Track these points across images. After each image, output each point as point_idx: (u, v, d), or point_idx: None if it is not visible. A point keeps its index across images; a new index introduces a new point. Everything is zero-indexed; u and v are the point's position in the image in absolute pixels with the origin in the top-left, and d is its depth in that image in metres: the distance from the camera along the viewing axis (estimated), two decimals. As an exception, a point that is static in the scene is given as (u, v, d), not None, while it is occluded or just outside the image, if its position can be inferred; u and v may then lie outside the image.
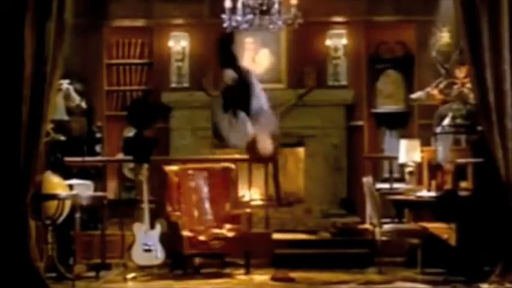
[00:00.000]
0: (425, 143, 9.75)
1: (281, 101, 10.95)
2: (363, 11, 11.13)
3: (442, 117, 9.76)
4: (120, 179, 10.48)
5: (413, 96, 10.62)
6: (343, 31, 11.16)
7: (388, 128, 11.43)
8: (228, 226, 8.67)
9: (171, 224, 8.56)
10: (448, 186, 8.92)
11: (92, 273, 8.45)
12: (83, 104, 10.45)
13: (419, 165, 9.55)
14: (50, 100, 7.36)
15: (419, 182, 9.57)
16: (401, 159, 9.46)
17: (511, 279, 7.48)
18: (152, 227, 8.53)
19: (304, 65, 11.17)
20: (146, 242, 8.47)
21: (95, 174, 9.89)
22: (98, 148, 10.60)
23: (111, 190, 10.42)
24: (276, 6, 8.11)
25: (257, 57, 11.13)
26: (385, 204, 8.95)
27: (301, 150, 11.26)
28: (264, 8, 8.10)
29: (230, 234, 8.54)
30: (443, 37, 10.62)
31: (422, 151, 9.42)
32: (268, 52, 11.16)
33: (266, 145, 8.85)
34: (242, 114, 8.73)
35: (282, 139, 10.53)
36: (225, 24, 8.36)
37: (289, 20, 8.22)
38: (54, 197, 7.97)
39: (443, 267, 8.35)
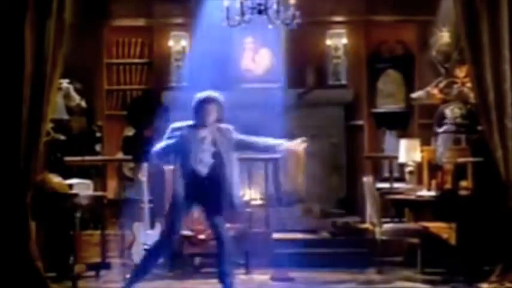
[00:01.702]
0: (425, 142, 9.75)
1: (281, 100, 10.96)
2: (363, 11, 11.12)
3: (442, 117, 9.77)
4: (120, 178, 10.48)
5: (414, 95, 10.63)
6: (343, 30, 11.15)
7: (388, 128, 11.43)
8: (228, 225, 8.67)
9: (170, 224, 8.55)
10: (448, 185, 8.94)
11: (92, 273, 8.45)
12: (83, 103, 10.45)
13: (419, 165, 9.55)
14: (50, 99, 7.36)
15: (420, 181, 9.58)
16: (401, 158, 9.46)
17: (511, 279, 7.49)
18: (152, 226, 8.53)
19: (304, 65, 11.16)
20: (146, 241, 8.47)
21: (95, 173, 9.89)
22: (97, 147, 10.60)
23: (111, 189, 10.42)
24: (275, 5, 8.09)
25: (257, 57, 11.13)
26: (385, 203, 8.96)
27: (301, 150, 11.23)
28: (263, 7, 8.08)
29: (230, 234, 8.52)
30: (444, 37, 10.63)
31: (422, 151, 9.43)
32: (268, 52, 11.15)
33: None
34: None
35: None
36: (223, 24, 8.35)
37: (287, 20, 8.20)
38: (54, 196, 7.98)
39: (443, 267, 8.36)
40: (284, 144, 7.32)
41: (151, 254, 7.16)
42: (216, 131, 7.05)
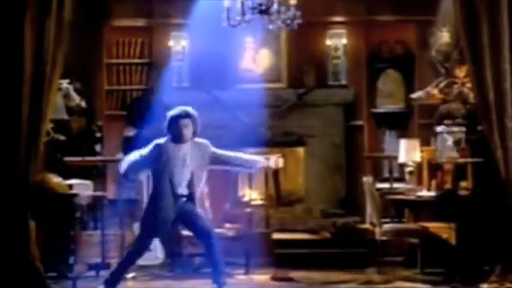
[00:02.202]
0: (425, 142, 9.75)
1: (281, 100, 10.96)
2: (363, 11, 11.12)
3: (442, 117, 9.77)
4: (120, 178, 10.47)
5: (414, 95, 10.63)
6: (343, 31, 11.15)
7: (388, 128, 11.43)
8: (228, 226, 8.68)
9: (171, 224, 8.55)
10: (447, 185, 8.94)
11: (92, 273, 8.46)
12: (83, 104, 10.45)
13: (419, 165, 9.55)
14: (50, 99, 7.35)
15: (419, 181, 9.58)
16: (401, 158, 9.46)
17: (511, 279, 7.48)
18: (152, 226, 8.52)
19: (304, 65, 11.16)
20: (146, 241, 8.47)
21: (95, 173, 9.89)
22: (97, 147, 10.60)
23: (111, 190, 10.42)
24: (275, 6, 8.10)
25: (257, 57, 11.12)
26: (385, 203, 8.95)
27: (301, 150, 11.25)
28: (263, 7, 8.09)
29: (230, 234, 8.54)
30: (443, 36, 10.63)
31: (422, 151, 9.42)
32: (268, 52, 11.16)
33: None
34: None
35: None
36: (224, 24, 8.35)
37: (288, 20, 8.20)
38: (54, 196, 7.98)
39: (443, 267, 8.36)
40: (261, 161, 7.22)
41: (127, 260, 7.07)
42: (193, 146, 6.98)
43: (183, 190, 6.97)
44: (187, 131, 6.95)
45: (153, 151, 6.95)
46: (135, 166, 7.01)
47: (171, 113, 7.03)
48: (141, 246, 7.02)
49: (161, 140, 6.99)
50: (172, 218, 6.97)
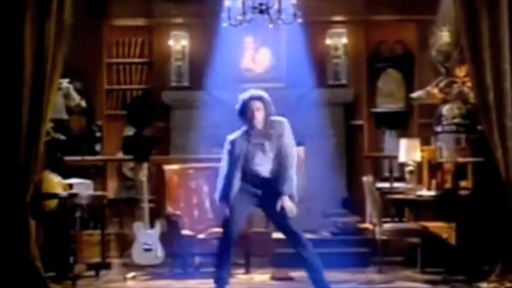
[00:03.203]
0: (425, 142, 9.76)
1: (281, 100, 10.95)
2: (363, 10, 11.13)
3: (442, 117, 9.78)
4: (120, 178, 10.48)
5: (414, 95, 10.63)
6: (343, 30, 11.16)
7: (388, 127, 11.43)
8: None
9: (171, 223, 8.56)
10: (448, 185, 8.94)
11: (92, 273, 8.46)
12: (83, 103, 10.46)
13: (419, 165, 9.55)
14: (50, 99, 7.35)
15: (420, 181, 9.58)
16: (401, 158, 9.47)
17: (511, 279, 7.48)
18: (152, 226, 8.54)
19: (304, 65, 11.16)
20: (146, 241, 8.48)
21: (95, 173, 9.89)
22: (97, 147, 10.61)
23: (111, 189, 10.43)
24: (276, 5, 8.10)
25: (257, 57, 11.12)
26: (385, 203, 8.96)
27: (301, 150, 11.23)
28: (264, 7, 8.10)
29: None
30: (444, 36, 10.63)
31: (422, 150, 9.43)
32: (268, 51, 11.15)
33: None
34: None
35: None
36: (224, 24, 8.36)
37: (288, 20, 8.21)
38: (54, 196, 7.99)
39: (443, 267, 8.36)
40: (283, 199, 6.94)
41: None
42: (269, 131, 6.84)
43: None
44: (259, 115, 6.82)
45: (231, 150, 6.80)
46: (227, 189, 6.87)
47: (241, 97, 6.91)
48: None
49: (233, 135, 6.85)
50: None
